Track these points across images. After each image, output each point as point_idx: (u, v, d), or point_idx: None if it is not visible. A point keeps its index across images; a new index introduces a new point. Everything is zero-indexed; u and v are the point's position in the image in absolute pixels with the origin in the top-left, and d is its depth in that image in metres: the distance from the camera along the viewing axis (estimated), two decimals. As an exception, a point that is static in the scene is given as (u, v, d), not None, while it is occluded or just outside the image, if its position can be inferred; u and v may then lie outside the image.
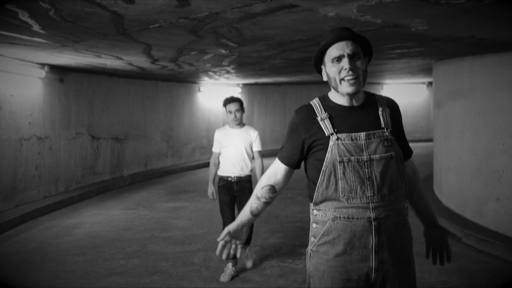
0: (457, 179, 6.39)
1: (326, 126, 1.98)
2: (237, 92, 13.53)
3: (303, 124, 2.03)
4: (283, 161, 2.11)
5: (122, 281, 4.40)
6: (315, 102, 2.06)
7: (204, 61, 7.08)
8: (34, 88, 7.42)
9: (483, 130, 5.87)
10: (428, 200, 2.24)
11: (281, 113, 15.11)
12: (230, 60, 7.08)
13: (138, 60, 6.85)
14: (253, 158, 4.72)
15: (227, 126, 4.71)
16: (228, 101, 4.61)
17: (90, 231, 6.18)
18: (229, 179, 4.58)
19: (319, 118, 2.00)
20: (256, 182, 2.36)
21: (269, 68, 8.46)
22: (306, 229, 6.59)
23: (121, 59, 6.63)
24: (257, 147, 4.66)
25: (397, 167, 1.97)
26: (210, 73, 9.46)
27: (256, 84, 13.80)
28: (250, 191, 4.39)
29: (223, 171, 4.65)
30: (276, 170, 2.13)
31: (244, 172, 4.61)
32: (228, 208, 4.60)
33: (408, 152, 2.16)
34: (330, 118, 1.99)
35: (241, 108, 4.61)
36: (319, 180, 1.97)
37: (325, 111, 2.01)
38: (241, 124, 4.66)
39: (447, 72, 6.90)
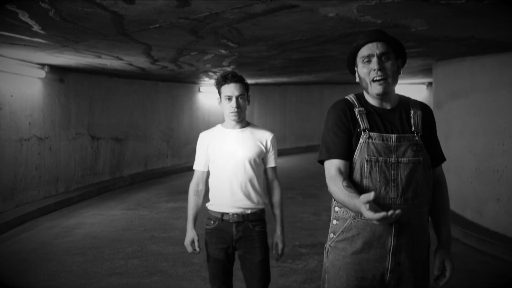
0: (457, 179, 6.39)
1: (363, 120, 1.97)
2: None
3: (346, 115, 1.99)
4: (341, 156, 1.94)
5: (122, 281, 4.40)
6: (351, 97, 2.06)
7: (204, 61, 7.08)
8: (34, 88, 7.42)
9: (483, 130, 5.88)
10: (448, 219, 2.11)
11: (281, 113, 15.12)
12: (230, 61, 7.08)
13: (138, 61, 6.85)
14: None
15: (220, 126, 2.90)
16: (225, 79, 2.78)
17: (90, 231, 6.18)
18: (225, 218, 2.75)
19: (356, 111, 2.00)
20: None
21: (269, 68, 8.46)
22: (306, 229, 6.52)
23: (121, 59, 6.63)
24: (272, 160, 2.85)
25: (423, 173, 1.96)
26: (210, 73, 9.46)
27: (256, 84, 13.79)
28: (262, 239, 2.80)
29: (214, 204, 2.81)
30: (340, 167, 1.93)
31: (252, 203, 2.78)
32: (222, 271, 2.80)
33: (438, 158, 2.10)
34: (366, 114, 1.99)
35: (246, 94, 2.82)
36: None
37: (361, 106, 2.01)
38: (243, 121, 2.84)
39: (447, 72, 6.90)
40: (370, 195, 1.62)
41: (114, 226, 6.41)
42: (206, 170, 2.91)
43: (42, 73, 7.35)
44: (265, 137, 2.84)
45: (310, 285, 4.26)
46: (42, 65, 7.36)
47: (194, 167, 2.96)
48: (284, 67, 8.29)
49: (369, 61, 1.97)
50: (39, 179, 7.55)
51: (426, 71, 9.34)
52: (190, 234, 2.85)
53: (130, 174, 10.36)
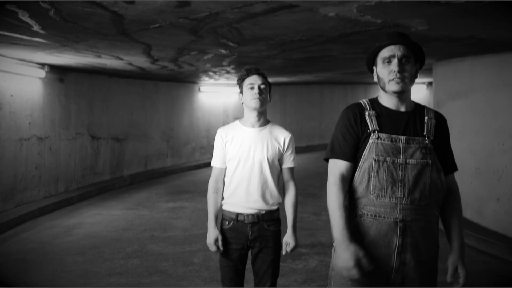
0: (457, 179, 6.35)
1: (372, 122, 2.03)
2: (237, 93, 13.52)
3: (356, 119, 2.06)
4: (345, 157, 2.03)
5: (122, 281, 4.40)
6: (364, 101, 2.13)
7: (204, 61, 7.08)
8: (34, 88, 7.41)
9: (483, 130, 5.88)
10: (460, 226, 2.11)
11: (281, 113, 15.11)
12: (230, 60, 7.09)
13: (138, 60, 6.85)
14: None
15: (238, 123, 2.90)
16: (248, 72, 2.82)
17: (90, 231, 6.17)
18: (240, 218, 2.75)
19: (366, 114, 2.06)
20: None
21: (269, 68, 8.46)
22: (306, 229, 6.52)
23: (121, 59, 6.63)
24: (289, 161, 2.82)
25: (432, 175, 1.99)
26: (210, 73, 9.46)
27: (256, 84, 13.80)
28: (276, 238, 2.78)
29: (229, 203, 2.81)
30: (343, 171, 2.02)
31: (267, 205, 2.75)
32: (234, 272, 2.77)
33: (450, 167, 2.13)
34: (377, 116, 2.04)
35: (268, 88, 2.85)
36: (355, 175, 2.02)
37: (373, 109, 2.07)
38: (263, 118, 2.88)
39: (447, 72, 6.90)
40: (370, 267, 1.87)
41: (114, 226, 6.41)
42: (224, 167, 2.83)
43: (42, 73, 7.35)
44: (282, 136, 2.82)
45: (310, 285, 4.26)
46: (42, 65, 7.36)
47: (212, 164, 2.88)
48: (284, 67, 8.30)
49: (389, 62, 2.02)
50: (39, 179, 7.55)
51: (426, 71, 9.34)
52: (213, 233, 2.79)
53: (130, 174, 10.36)
